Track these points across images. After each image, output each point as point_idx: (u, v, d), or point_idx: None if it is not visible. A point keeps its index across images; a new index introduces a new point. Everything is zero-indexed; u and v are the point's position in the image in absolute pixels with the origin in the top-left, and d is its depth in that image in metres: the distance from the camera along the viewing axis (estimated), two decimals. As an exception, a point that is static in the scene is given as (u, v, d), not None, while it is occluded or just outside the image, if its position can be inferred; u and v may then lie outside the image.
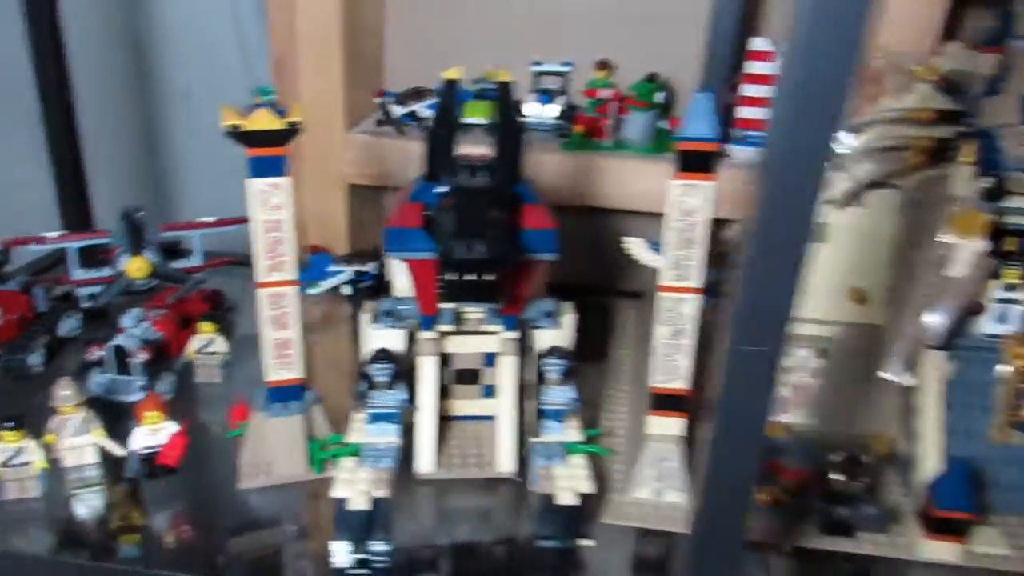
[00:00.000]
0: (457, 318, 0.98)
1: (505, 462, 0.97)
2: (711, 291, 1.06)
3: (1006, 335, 0.92)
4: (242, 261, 1.16)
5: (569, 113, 1.45)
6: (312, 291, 1.38)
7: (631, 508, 0.93)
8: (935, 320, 0.94)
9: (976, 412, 0.93)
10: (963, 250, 0.92)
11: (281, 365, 0.95)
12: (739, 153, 1.39)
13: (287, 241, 0.89)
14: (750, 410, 0.59)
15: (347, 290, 1.44)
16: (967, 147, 0.96)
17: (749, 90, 1.39)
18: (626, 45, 1.46)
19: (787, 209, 0.54)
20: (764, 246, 0.55)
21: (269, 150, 0.84)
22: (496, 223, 0.84)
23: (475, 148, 0.93)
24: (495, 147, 0.91)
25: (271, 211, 0.87)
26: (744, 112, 1.40)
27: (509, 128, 0.91)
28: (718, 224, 1.08)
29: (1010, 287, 0.94)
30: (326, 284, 1.40)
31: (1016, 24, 0.98)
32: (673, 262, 0.88)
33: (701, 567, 0.67)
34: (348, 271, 1.43)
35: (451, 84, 0.90)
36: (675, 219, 0.87)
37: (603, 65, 1.45)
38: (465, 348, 1.01)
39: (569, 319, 1.01)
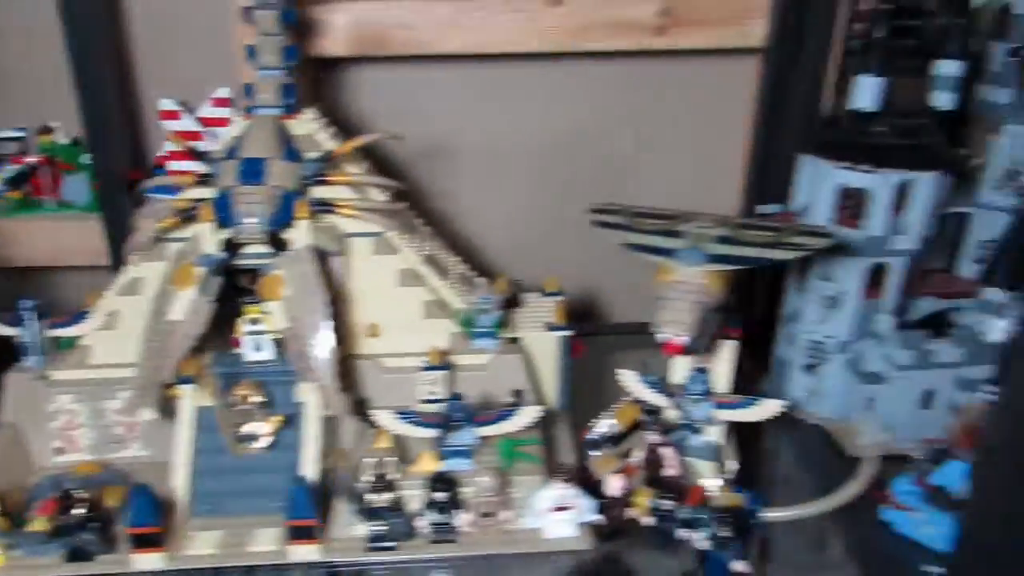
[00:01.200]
0: None
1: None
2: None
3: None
4: None
5: (23, 178, 1.53)
6: None
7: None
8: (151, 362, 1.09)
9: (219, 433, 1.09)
10: (180, 299, 1.08)
11: None
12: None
13: None
14: None
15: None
16: (206, 207, 1.12)
17: (172, 146, 1.52)
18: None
19: None
20: None
21: None
22: None
23: None
24: None
25: None
26: (175, 165, 1.53)
27: None
28: None
29: (255, 320, 1.12)
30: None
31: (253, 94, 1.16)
32: None
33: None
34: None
35: None
36: None
37: (46, 130, 1.54)
38: None
39: None
